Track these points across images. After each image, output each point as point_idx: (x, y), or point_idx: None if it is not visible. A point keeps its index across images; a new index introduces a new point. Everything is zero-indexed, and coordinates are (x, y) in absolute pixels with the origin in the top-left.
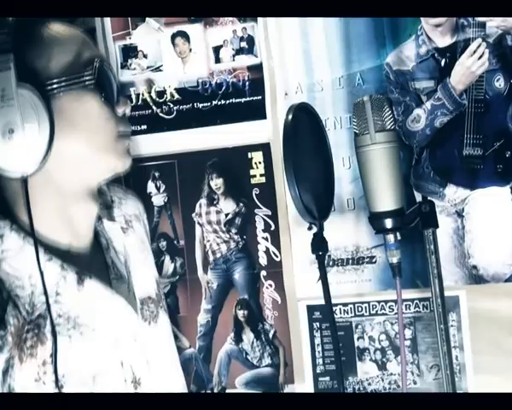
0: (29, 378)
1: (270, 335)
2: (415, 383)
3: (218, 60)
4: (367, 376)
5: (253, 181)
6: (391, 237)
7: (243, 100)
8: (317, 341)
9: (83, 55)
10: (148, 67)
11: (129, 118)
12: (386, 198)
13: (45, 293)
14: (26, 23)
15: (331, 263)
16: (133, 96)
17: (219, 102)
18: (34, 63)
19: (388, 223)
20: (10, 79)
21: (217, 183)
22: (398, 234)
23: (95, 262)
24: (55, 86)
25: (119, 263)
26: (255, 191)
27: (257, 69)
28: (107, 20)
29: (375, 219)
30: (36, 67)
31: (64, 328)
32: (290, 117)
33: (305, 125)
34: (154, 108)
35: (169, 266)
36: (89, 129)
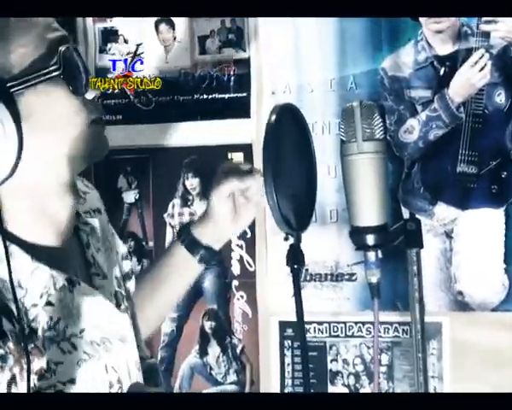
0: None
1: (238, 350)
2: None
3: (203, 51)
4: None
5: None
6: (371, 255)
7: (227, 96)
8: (288, 360)
9: (45, 44)
10: (128, 54)
11: (100, 101)
12: (369, 212)
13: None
14: None
15: (308, 277)
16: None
17: (201, 97)
18: None
19: (370, 239)
20: None
21: (192, 183)
22: (379, 252)
23: (76, 260)
24: (18, 85)
25: (100, 259)
26: None
27: (244, 64)
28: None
29: (356, 234)
30: None
31: (55, 338)
32: (274, 118)
33: (289, 128)
34: (131, 97)
35: (135, 269)
36: (59, 123)
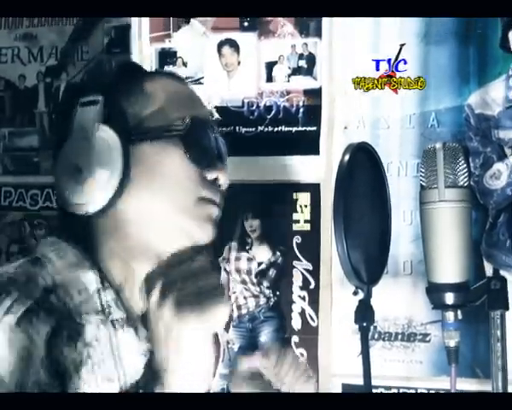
0: None
1: None
2: None
3: (270, 78)
4: None
5: (295, 227)
6: (450, 316)
7: (294, 129)
8: None
9: (181, 111)
10: (186, 78)
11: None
12: (449, 268)
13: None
14: (128, 67)
15: (377, 336)
16: None
17: (266, 129)
18: (125, 108)
19: (449, 298)
20: (94, 118)
21: (252, 224)
22: (459, 312)
23: None
24: (139, 134)
25: None
26: (296, 240)
27: (314, 94)
28: (145, 18)
29: (434, 292)
30: (126, 112)
31: None
32: (347, 158)
33: (363, 170)
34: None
35: None
36: (167, 185)
